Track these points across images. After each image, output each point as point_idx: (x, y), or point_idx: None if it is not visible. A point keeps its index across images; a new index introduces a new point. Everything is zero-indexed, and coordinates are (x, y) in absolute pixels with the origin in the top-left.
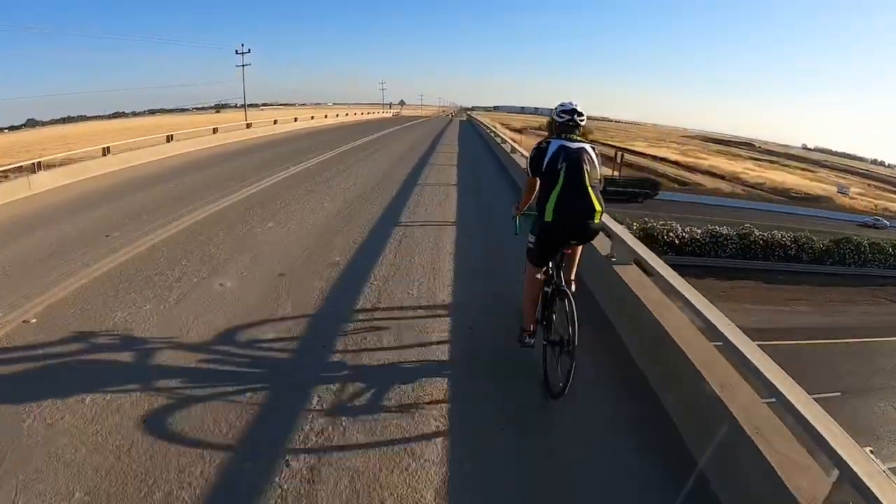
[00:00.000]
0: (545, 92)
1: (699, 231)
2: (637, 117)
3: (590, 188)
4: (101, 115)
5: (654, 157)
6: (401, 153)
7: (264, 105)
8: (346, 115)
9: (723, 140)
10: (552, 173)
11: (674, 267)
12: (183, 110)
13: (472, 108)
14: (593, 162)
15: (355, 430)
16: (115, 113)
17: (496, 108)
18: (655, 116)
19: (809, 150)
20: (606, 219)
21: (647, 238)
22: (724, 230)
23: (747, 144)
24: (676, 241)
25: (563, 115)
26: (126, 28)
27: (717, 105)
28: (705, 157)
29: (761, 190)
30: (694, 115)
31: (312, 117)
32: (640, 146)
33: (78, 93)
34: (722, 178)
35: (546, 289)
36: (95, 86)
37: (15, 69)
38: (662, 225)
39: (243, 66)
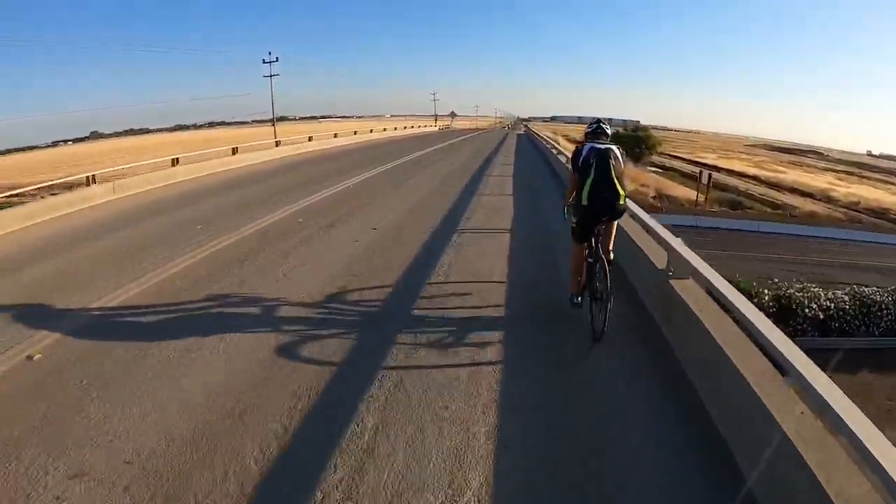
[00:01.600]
0: (600, 101)
1: (846, 298)
2: (694, 126)
3: (615, 178)
4: (163, 127)
5: (730, 172)
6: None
7: (323, 117)
8: (384, 130)
9: (788, 148)
10: (586, 168)
11: (816, 353)
12: (243, 123)
13: (529, 119)
14: (618, 158)
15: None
16: (177, 125)
17: (553, 119)
18: (710, 124)
19: (875, 156)
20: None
21: (784, 311)
22: (875, 293)
23: (814, 153)
24: (820, 316)
25: (591, 126)
26: (176, 39)
27: (766, 110)
28: (783, 171)
29: (857, 210)
30: (746, 122)
31: (336, 135)
32: (709, 158)
33: (135, 105)
34: (811, 196)
35: (589, 259)
36: (150, 98)
37: (78, 82)
38: (801, 292)
39: (271, 76)
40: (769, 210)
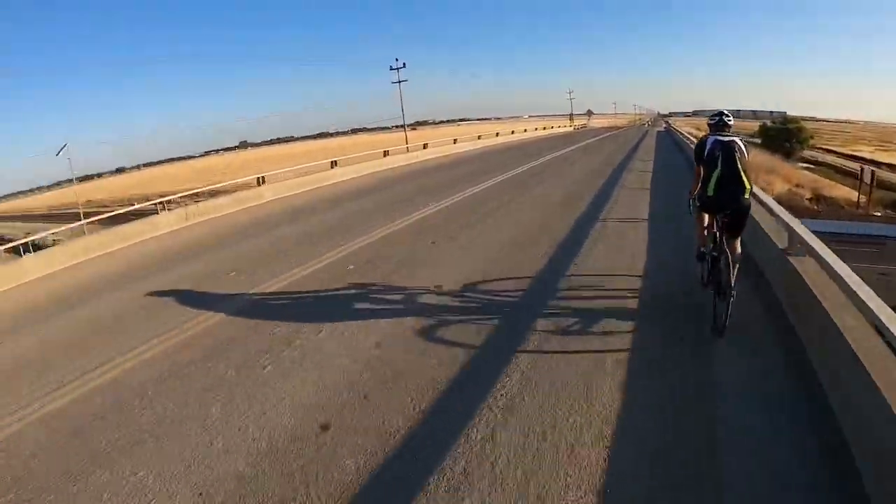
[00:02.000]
0: (742, 93)
1: None
2: (845, 115)
3: (742, 171)
4: (307, 135)
5: (891, 167)
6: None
7: (461, 120)
8: (512, 132)
9: None
10: (712, 161)
11: None
12: (384, 128)
13: (670, 115)
14: (742, 150)
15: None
16: (321, 133)
17: (695, 114)
18: (862, 113)
19: None
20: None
21: None
22: None
23: None
24: None
25: (713, 118)
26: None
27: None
28: None
29: None
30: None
31: (479, 136)
32: (866, 151)
33: (279, 116)
34: None
35: (714, 253)
36: (293, 109)
37: (227, 95)
38: None
39: (399, 82)
40: None
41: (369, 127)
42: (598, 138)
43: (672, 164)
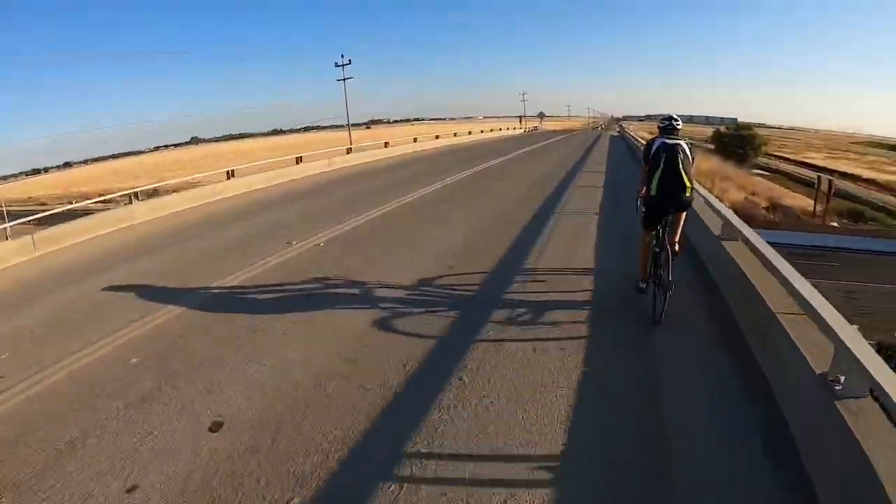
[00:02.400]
0: (695, 99)
1: None
2: (793, 122)
3: (682, 171)
4: (260, 132)
5: (843, 175)
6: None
7: (416, 120)
8: (454, 134)
9: None
10: (656, 161)
11: None
12: (337, 126)
13: (624, 118)
14: (686, 153)
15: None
16: (274, 130)
17: (648, 118)
18: (810, 121)
19: None
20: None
21: None
22: None
23: None
24: None
25: (663, 122)
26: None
27: (871, 104)
28: (884, 168)
29: None
30: (850, 117)
31: (386, 144)
32: (817, 158)
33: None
34: None
35: (655, 248)
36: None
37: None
38: None
39: (344, 79)
40: None
41: (323, 125)
42: (536, 146)
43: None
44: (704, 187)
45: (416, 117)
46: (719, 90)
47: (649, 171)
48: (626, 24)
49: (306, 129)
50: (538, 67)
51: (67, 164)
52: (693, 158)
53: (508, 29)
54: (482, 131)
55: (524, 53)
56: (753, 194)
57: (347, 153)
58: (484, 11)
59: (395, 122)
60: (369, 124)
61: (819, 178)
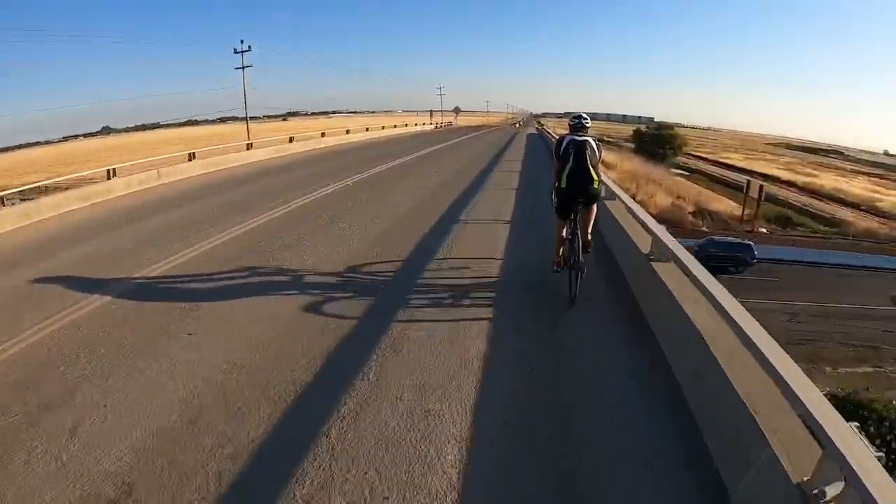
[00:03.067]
0: (613, 97)
1: None
2: (707, 123)
3: (590, 166)
4: (174, 122)
5: (763, 176)
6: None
7: (334, 112)
8: (366, 129)
9: (811, 147)
10: (565, 156)
11: None
12: (254, 118)
13: (543, 115)
14: (593, 149)
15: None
16: (189, 120)
17: (566, 114)
18: (723, 121)
19: (893, 155)
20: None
21: None
22: None
23: (836, 152)
24: None
25: (573, 120)
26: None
27: (781, 107)
28: (815, 174)
29: None
30: (761, 119)
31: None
32: (734, 159)
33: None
34: (855, 206)
35: (569, 237)
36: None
37: (90, 76)
38: None
39: (243, 67)
40: (825, 228)
41: (238, 116)
42: (441, 147)
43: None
44: (628, 193)
45: (336, 110)
46: (636, 90)
47: (560, 166)
48: (549, 24)
49: (223, 119)
50: (457, 63)
51: None
52: (600, 154)
53: (428, 20)
54: (396, 126)
55: (443, 46)
56: (679, 198)
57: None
58: (410, 3)
59: (314, 114)
60: (286, 116)
61: (749, 182)
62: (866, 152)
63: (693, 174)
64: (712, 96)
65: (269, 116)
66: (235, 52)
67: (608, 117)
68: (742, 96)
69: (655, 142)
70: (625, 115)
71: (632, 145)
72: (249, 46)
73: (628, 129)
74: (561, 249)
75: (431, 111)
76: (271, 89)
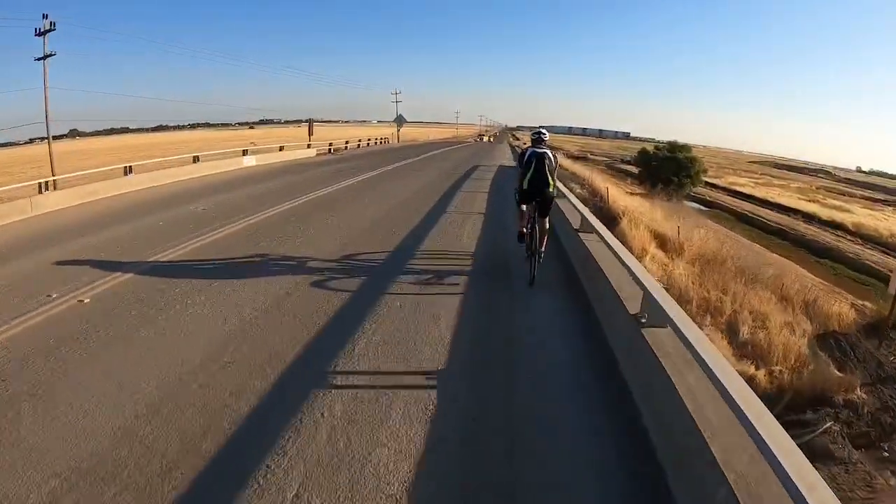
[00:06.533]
0: (593, 112)
1: None
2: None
3: (547, 173)
4: (143, 127)
5: (781, 208)
6: None
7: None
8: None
9: (797, 167)
10: (527, 164)
11: None
12: (226, 125)
13: (517, 128)
14: (550, 159)
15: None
16: (159, 126)
17: (532, 128)
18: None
19: (866, 173)
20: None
21: None
22: None
23: (825, 172)
24: None
25: (534, 134)
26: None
27: (754, 123)
28: (846, 207)
29: None
30: (734, 135)
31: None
32: (741, 184)
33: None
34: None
35: (528, 229)
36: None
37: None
38: None
39: (44, 57)
40: None
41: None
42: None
43: None
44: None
45: (306, 118)
46: (615, 106)
47: (522, 172)
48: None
49: (193, 125)
50: (420, 70)
51: None
52: (556, 163)
53: (387, 28)
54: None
55: (401, 57)
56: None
57: None
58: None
59: (287, 122)
60: (254, 125)
61: None
62: (840, 169)
63: (710, 208)
64: (685, 113)
65: (240, 123)
66: (37, 33)
67: (584, 131)
68: (709, 113)
69: (669, 168)
70: (600, 130)
71: (635, 170)
72: (54, 23)
73: (606, 145)
74: (525, 228)
75: (311, 120)
76: (246, 93)
